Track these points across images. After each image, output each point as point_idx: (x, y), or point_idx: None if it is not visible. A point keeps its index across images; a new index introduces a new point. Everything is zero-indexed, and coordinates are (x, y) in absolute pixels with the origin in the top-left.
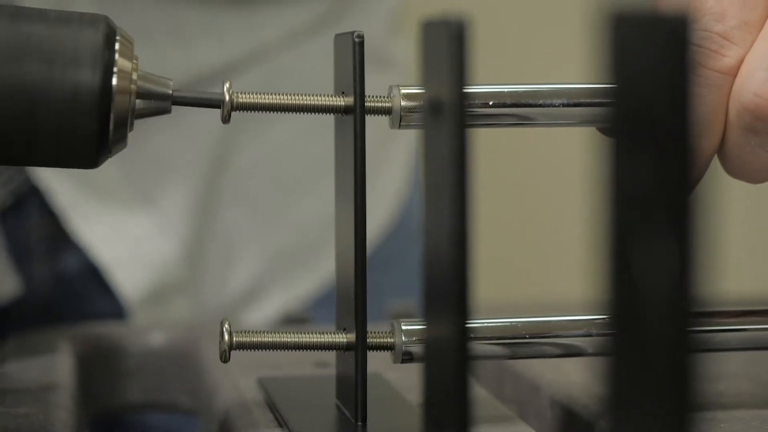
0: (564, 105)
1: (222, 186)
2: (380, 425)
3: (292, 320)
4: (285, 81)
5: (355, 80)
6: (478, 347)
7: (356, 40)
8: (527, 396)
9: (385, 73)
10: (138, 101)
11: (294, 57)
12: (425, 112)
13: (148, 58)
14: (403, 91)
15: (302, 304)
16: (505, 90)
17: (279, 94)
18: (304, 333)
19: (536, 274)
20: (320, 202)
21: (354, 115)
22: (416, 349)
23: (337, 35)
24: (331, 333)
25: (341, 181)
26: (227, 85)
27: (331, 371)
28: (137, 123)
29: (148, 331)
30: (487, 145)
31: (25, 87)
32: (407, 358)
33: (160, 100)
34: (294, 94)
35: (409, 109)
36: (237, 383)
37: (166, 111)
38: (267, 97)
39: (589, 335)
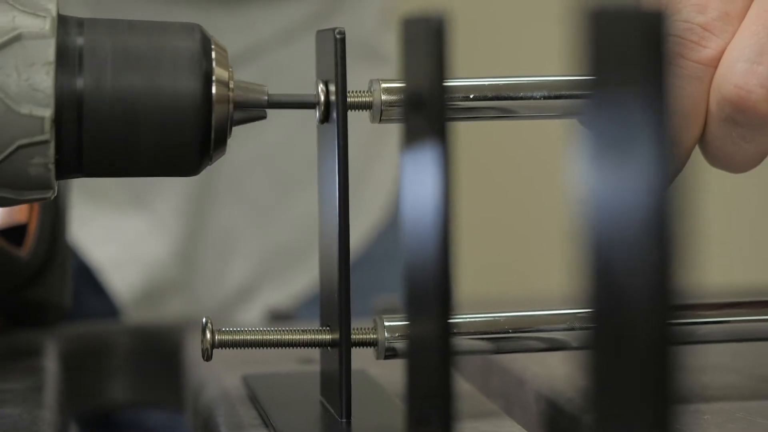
0: (545, 97)
1: (216, 184)
2: (365, 422)
3: (276, 317)
4: (279, 78)
5: (336, 76)
6: (462, 342)
7: (337, 36)
8: (512, 390)
9: (377, 69)
10: (235, 108)
11: (288, 54)
12: (405, 107)
13: None
14: (384, 85)
15: (296, 302)
16: (486, 83)
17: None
18: (289, 330)
19: (519, 270)
20: (314, 199)
21: (336, 112)
22: (399, 345)
23: (318, 32)
24: (315, 330)
25: (325, 178)
26: (321, 85)
27: (316, 367)
28: None
29: (133, 329)
30: (468, 140)
31: (126, 99)
32: (390, 354)
33: (257, 105)
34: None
35: (390, 103)
36: (222, 380)
37: (262, 116)
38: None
39: (573, 329)
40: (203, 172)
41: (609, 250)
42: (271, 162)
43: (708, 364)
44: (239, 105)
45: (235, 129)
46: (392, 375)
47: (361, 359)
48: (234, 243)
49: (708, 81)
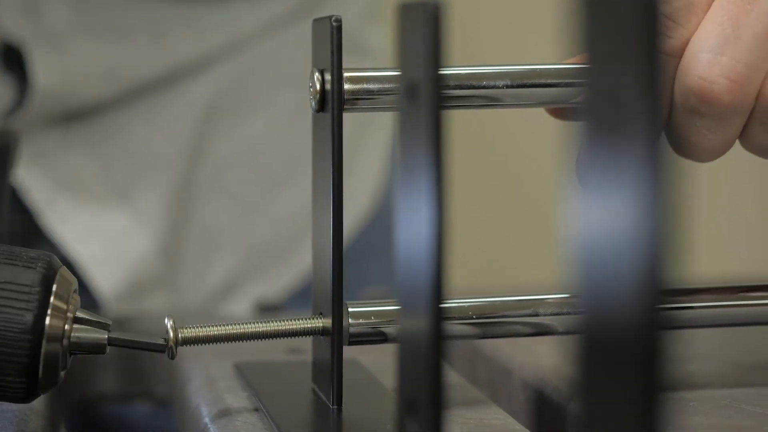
0: (539, 85)
1: (199, 180)
2: (356, 409)
3: (265, 309)
4: (262, 72)
5: (332, 65)
6: (449, 327)
7: (334, 24)
8: (499, 379)
9: (361, 61)
10: (73, 341)
11: (271, 48)
12: (400, 95)
13: (126, 55)
14: (347, 74)
15: (280, 297)
16: (480, 71)
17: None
18: (276, 320)
19: (506, 258)
20: (299, 194)
21: (332, 101)
22: (363, 330)
23: (315, 20)
24: (304, 318)
25: (318, 167)
26: (317, 74)
27: (303, 357)
28: (112, 116)
29: (119, 322)
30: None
31: None
32: (355, 339)
33: (95, 344)
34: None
35: (353, 93)
36: (210, 371)
37: (101, 351)
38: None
39: (558, 314)
40: (187, 167)
41: (599, 238)
42: (254, 157)
43: (694, 352)
44: (77, 338)
45: (217, 124)
46: (383, 363)
47: (354, 348)
48: (218, 239)
49: (671, 71)
